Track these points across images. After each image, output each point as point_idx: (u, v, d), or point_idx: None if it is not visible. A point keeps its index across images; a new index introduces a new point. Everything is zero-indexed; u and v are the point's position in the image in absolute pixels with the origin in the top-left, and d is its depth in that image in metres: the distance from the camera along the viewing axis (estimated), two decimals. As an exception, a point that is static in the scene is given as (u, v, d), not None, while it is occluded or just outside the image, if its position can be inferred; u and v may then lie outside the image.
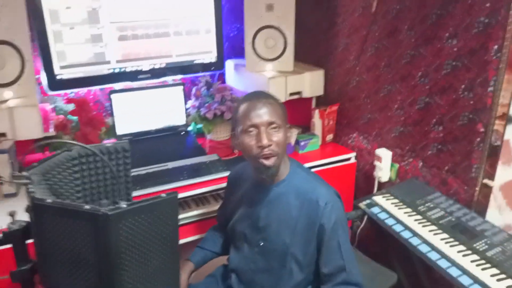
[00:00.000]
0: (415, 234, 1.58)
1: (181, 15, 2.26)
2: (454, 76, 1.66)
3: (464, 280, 1.35)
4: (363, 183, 2.24)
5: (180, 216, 1.90)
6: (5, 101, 1.71)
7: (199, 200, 2.00)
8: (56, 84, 2.06)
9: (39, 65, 2.02)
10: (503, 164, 1.60)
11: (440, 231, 1.57)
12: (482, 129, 1.60)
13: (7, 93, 1.72)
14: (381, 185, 2.07)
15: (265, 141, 1.25)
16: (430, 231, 1.58)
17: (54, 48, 2.01)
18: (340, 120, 2.31)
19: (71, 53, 2.06)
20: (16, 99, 1.74)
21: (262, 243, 1.39)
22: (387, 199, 1.81)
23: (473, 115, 1.62)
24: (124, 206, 0.91)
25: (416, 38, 1.79)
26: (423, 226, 1.61)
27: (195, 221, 1.94)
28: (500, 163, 1.60)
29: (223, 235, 1.63)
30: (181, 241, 1.80)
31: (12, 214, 1.00)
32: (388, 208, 1.75)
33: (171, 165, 1.96)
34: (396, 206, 1.75)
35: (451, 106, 1.70)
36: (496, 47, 1.49)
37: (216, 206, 1.94)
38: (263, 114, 1.27)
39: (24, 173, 0.98)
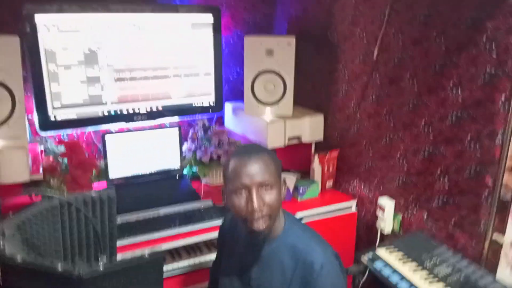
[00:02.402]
0: (421, 294, 1.47)
1: (180, 58, 2.24)
2: (459, 126, 1.61)
3: None
4: (365, 234, 2.13)
5: (170, 267, 1.80)
6: (-8, 142, 1.65)
7: (190, 248, 1.89)
8: (48, 124, 2.01)
9: (31, 104, 1.98)
10: (513, 219, 1.52)
11: (448, 291, 1.47)
12: (490, 183, 1.52)
13: (-5, 134, 1.66)
14: (384, 237, 1.97)
15: (255, 205, 1.14)
16: (438, 291, 1.47)
17: (49, 88, 1.97)
18: (341, 166, 2.24)
19: (66, 94, 2.01)
20: (4, 140, 1.68)
21: None
22: (391, 252, 1.70)
23: (481, 167, 1.55)
24: (101, 268, 0.82)
25: (418, 87, 1.74)
26: (430, 282, 1.51)
27: (186, 272, 1.83)
28: (511, 218, 1.51)
29: None
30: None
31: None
32: (392, 262, 1.64)
33: (163, 211, 1.87)
34: (400, 260, 1.65)
35: (457, 157, 1.63)
36: (503, 99, 1.44)
37: (209, 256, 1.84)
38: (254, 173, 1.15)
39: (-4, 227, 0.90)
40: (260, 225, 1.16)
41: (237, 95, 2.58)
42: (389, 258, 1.67)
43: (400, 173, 1.89)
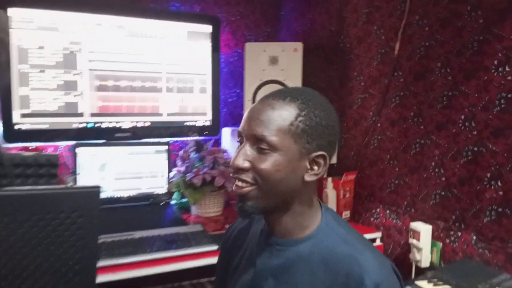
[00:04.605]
0: (490, 330, 1.04)
1: (173, 71, 1.99)
2: (511, 111, 1.28)
3: None
4: (395, 271, 1.69)
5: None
6: None
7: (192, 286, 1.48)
8: (13, 135, 1.70)
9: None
10: None
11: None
12: None
13: None
14: (420, 272, 1.54)
15: (232, 159, 0.80)
16: (513, 325, 1.04)
17: (17, 91, 1.70)
18: (359, 191, 1.86)
19: (36, 99, 1.74)
20: None
21: None
22: (435, 285, 1.28)
23: (547, 158, 1.20)
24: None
25: (453, 75, 1.45)
26: (499, 318, 1.08)
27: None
28: None
29: None
30: None
31: None
32: (440, 295, 1.22)
33: (138, 234, 1.47)
34: (450, 293, 1.22)
35: (511, 151, 1.28)
36: None
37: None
38: (251, 120, 0.79)
39: None
40: (235, 186, 0.80)
41: (237, 120, 2.29)
42: (434, 290, 1.25)
43: (436, 187, 1.52)
